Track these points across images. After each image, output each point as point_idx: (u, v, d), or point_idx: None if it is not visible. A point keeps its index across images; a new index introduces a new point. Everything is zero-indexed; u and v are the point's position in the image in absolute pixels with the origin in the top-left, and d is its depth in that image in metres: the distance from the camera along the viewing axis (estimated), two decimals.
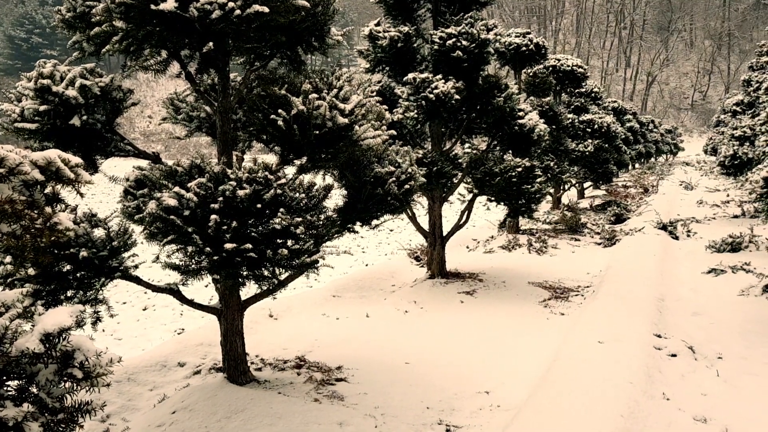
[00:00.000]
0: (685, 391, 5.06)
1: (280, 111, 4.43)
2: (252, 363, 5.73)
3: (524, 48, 14.02)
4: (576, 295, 8.65)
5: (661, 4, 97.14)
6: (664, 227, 13.44)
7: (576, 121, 18.23)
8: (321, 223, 4.65)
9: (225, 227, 4.00)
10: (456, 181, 9.18)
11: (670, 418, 4.56)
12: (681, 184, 26.36)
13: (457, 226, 9.51)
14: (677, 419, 4.55)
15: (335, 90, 4.73)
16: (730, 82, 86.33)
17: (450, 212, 14.30)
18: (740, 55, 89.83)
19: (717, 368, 5.54)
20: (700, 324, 6.85)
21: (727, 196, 20.88)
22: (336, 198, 5.43)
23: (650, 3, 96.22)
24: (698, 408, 4.73)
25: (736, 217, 15.68)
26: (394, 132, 5.46)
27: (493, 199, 9.48)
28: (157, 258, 4.40)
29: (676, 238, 13.03)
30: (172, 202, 3.97)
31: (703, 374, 5.44)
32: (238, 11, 3.96)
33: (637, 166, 40.64)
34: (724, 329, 6.60)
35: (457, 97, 7.93)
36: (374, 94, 5.45)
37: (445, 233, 9.43)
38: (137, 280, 4.65)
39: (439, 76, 8.08)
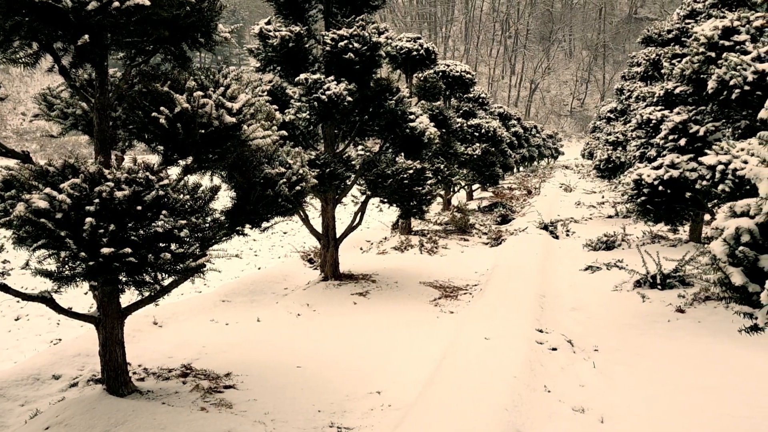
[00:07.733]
0: (565, 383, 5.33)
1: (162, 109, 4.24)
2: (134, 373, 5.46)
3: (415, 53, 14.29)
4: (465, 293, 8.91)
5: (543, 15, 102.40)
6: (545, 227, 14.13)
7: (465, 125, 18.81)
8: (207, 225, 4.50)
9: (102, 231, 3.78)
10: (349, 183, 9.19)
11: (551, 409, 4.78)
12: (561, 187, 27.83)
13: (351, 228, 9.53)
14: (558, 410, 4.78)
15: (222, 88, 4.60)
16: (605, 91, 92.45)
17: (344, 214, 14.30)
18: (614, 65, 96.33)
19: (593, 360, 5.87)
20: (578, 318, 7.26)
21: (603, 197, 22.23)
22: (224, 200, 5.28)
23: (533, 14, 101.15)
24: (577, 399, 4.99)
25: (610, 217, 16.71)
26: (285, 133, 5.39)
27: (385, 200, 9.59)
28: (27, 264, 4.09)
29: (557, 237, 13.73)
30: (43, 204, 3.70)
31: (581, 366, 5.75)
32: (116, 3, 3.76)
33: (521, 169, 42.58)
34: (599, 323, 7.01)
35: (349, 98, 7.95)
36: (265, 93, 5.35)
37: (338, 235, 9.42)
38: (4, 288, 4.30)
39: (332, 78, 8.07)
